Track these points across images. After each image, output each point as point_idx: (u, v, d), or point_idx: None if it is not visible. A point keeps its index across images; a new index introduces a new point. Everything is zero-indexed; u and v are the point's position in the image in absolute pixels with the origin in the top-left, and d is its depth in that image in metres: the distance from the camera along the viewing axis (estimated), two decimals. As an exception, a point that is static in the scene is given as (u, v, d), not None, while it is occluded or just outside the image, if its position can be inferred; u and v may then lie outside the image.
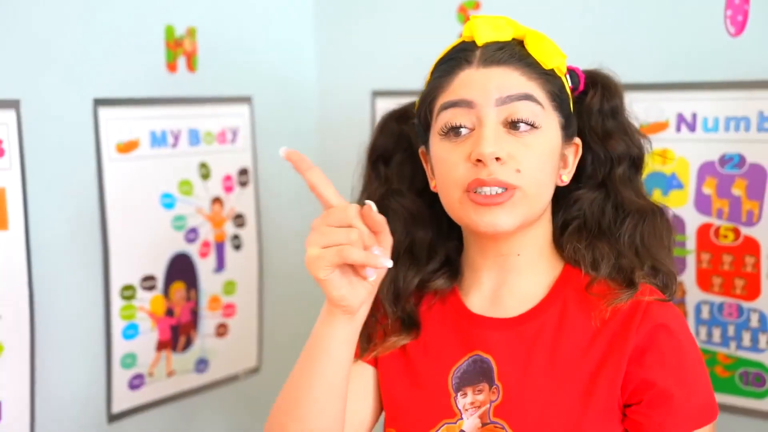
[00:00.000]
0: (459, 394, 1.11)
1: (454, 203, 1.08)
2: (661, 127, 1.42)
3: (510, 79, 1.06)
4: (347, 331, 1.04)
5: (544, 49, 1.08)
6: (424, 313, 1.18)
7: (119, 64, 1.48)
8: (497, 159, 1.03)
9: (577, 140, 1.14)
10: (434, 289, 1.18)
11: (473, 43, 1.09)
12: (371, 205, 0.98)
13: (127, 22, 1.49)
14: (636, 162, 1.16)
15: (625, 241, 1.12)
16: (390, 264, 1.00)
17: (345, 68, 1.84)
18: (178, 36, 1.57)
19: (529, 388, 1.08)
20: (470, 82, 1.07)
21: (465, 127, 1.06)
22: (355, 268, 1.00)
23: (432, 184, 1.15)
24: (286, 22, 1.80)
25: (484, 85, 1.06)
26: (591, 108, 1.15)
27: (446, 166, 1.07)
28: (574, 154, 1.14)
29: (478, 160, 1.03)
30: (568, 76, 1.13)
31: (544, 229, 1.14)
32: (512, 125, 1.05)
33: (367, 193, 1.24)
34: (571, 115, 1.12)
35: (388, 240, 1.01)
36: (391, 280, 1.16)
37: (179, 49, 1.57)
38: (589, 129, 1.15)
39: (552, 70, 1.09)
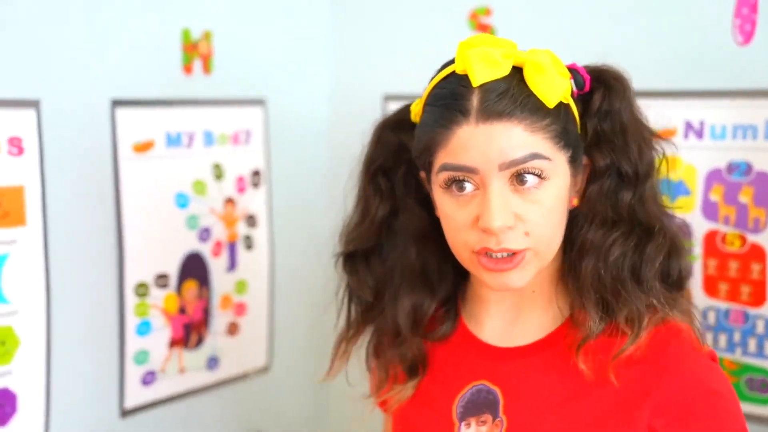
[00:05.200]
0: (463, 423, 1.08)
1: (464, 260, 1.03)
2: (668, 134, 1.41)
3: (513, 138, 0.96)
4: None
5: (546, 82, 0.97)
6: (430, 346, 1.16)
7: (137, 66, 1.50)
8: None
9: (585, 159, 1.06)
10: (437, 338, 1.15)
11: (468, 82, 0.98)
12: None
13: (145, 25, 1.51)
14: (626, 176, 1.04)
15: (586, 269, 1.03)
16: None
17: (357, 72, 1.85)
18: (195, 39, 1.59)
19: (533, 424, 1.04)
20: (470, 144, 0.96)
21: (469, 183, 0.98)
22: None
23: (437, 212, 1.07)
24: (301, 26, 1.82)
25: (486, 151, 0.96)
26: (591, 109, 1.05)
27: (452, 226, 1.01)
28: (584, 173, 1.06)
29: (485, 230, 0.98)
30: (572, 79, 1.03)
31: (557, 261, 1.08)
32: (518, 179, 0.97)
33: (365, 208, 1.17)
34: (578, 138, 1.03)
35: None
36: (411, 308, 1.14)
37: (195, 52, 1.59)
38: (584, 132, 1.05)
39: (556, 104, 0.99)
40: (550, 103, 0.98)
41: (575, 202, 1.06)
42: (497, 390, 1.07)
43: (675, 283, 1.07)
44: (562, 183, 1.00)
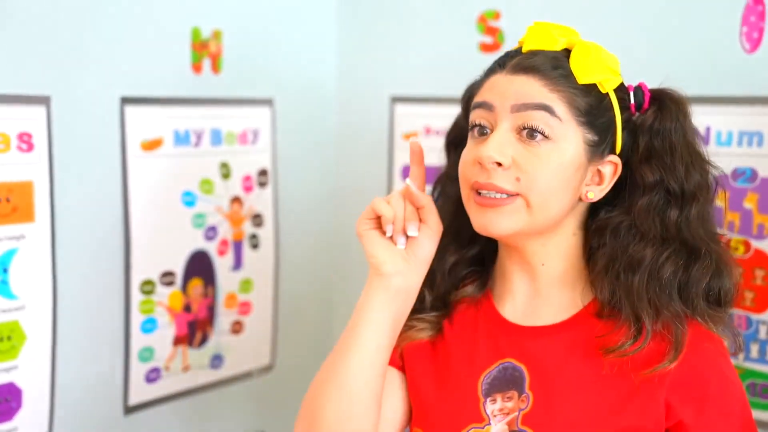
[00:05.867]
0: (488, 399, 1.11)
1: (465, 200, 1.11)
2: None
3: (530, 88, 1.06)
4: (382, 297, 1.10)
5: (586, 63, 1.07)
6: (456, 316, 1.19)
7: (146, 64, 1.51)
8: (499, 165, 1.04)
9: (614, 158, 1.10)
10: (463, 297, 1.19)
11: (520, 48, 1.11)
12: (410, 184, 1.10)
13: (155, 23, 1.52)
14: (674, 194, 1.09)
15: (640, 285, 1.07)
16: (413, 233, 1.10)
17: (365, 73, 1.87)
18: (204, 38, 1.60)
19: (558, 400, 1.07)
20: (495, 86, 1.09)
21: (487, 128, 1.08)
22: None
23: None
24: (309, 26, 1.83)
25: (504, 91, 1.07)
26: (643, 125, 1.11)
27: (461, 162, 1.11)
28: (612, 172, 1.10)
29: (480, 163, 1.06)
30: (632, 93, 1.11)
31: (569, 243, 1.12)
32: (528, 133, 1.05)
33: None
34: (611, 133, 1.09)
35: (432, 219, 1.11)
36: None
37: (204, 51, 1.60)
38: (632, 146, 1.11)
39: (590, 85, 1.07)
40: (581, 78, 1.06)
41: (591, 195, 1.10)
42: (523, 367, 1.11)
43: (716, 300, 1.11)
44: (570, 153, 1.06)
